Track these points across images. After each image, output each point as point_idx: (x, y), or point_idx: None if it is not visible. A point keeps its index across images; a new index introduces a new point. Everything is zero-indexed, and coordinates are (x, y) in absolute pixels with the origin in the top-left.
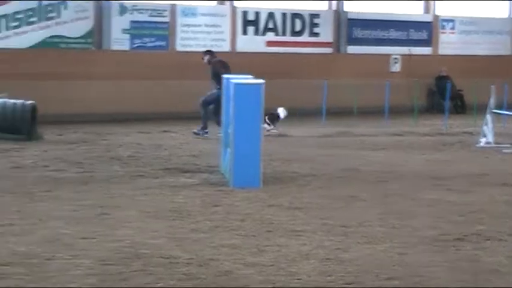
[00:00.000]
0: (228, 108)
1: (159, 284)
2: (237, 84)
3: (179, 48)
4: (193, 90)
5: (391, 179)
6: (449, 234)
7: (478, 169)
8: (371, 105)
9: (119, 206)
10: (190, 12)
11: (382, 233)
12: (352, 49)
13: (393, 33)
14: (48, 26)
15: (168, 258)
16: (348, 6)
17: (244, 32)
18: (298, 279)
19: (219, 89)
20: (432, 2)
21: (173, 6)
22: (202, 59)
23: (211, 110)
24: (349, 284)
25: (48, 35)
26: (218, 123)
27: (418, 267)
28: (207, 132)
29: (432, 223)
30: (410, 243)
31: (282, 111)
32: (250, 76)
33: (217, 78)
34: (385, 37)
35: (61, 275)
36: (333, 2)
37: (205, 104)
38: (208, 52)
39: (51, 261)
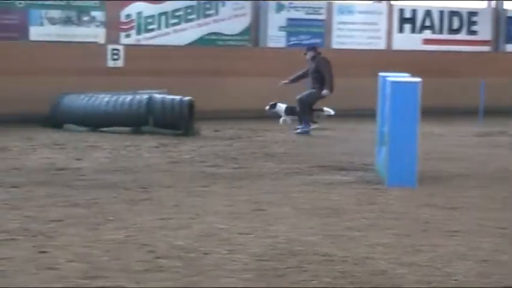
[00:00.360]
0: (384, 107)
1: (313, 281)
2: (393, 82)
3: (335, 45)
4: (351, 87)
5: None
6: None
7: None
8: None
9: (274, 202)
10: (347, 10)
11: None
12: (511, 47)
13: None
14: (206, 24)
15: (323, 256)
16: (507, 5)
17: (401, 30)
18: (454, 279)
19: (319, 88)
20: None
21: (330, 4)
22: (305, 54)
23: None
24: (509, 287)
25: (206, 32)
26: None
27: None
28: (310, 125)
29: None
30: None
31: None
32: (406, 74)
33: (319, 76)
34: None
35: (218, 269)
36: (492, 1)
37: (305, 104)
38: (313, 48)
39: (208, 255)
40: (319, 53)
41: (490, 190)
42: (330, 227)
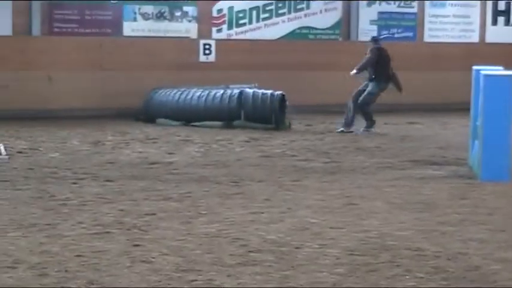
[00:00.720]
0: (477, 100)
1: (406, 277)
2: (486, 75)
3: (427, 39)
4: (443, 81)
5: None
6: None
7: None
8: None
9: (366, 197)
10: (439, 2)
11: None
12: None
13: None
14: (297, 18)
15: (416, 251)
16: None
17: (495, 23)
18: None
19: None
20: None
21: None
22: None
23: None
24: None
25: (298, 26)
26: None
27: None
28: (372, 126)
29: None
30: None
31: None
32: (500, 67)
33: (372, 69)
34: None
35: (310, 263)
36: None
37: (365, 105)
38: (374, 40)
39: (300, 249)
40: (378, 45)
41: None
42: (422, 221)
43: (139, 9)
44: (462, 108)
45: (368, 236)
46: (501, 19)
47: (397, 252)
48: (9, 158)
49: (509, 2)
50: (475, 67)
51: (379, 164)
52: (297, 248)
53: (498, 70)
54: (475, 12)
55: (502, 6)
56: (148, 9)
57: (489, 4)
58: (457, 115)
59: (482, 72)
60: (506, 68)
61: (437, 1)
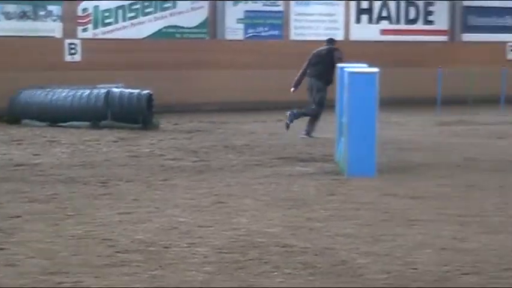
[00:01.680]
0: (342, 98)
1: (274, 273)
2: (351, 73)
3: (293, 37)
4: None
5: (510, 168)
6: None
7: None
8: (486, 93)
9: (235, 195)
10: (304, 1)
11: (500, 223)
12: (467, 37)
13: (509, 20)
14: (164, 17)
15: (284, 247)
16: None
17: (358, 21)
18: (414, 268)
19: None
20: None
21: None
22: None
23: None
24: (467, 273)
25: (164, 25)
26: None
27: None
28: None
29: None
30: None
31: None
32: (364, 65)
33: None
34: (501, 24)
35: (178, 262)
36: None
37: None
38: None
39: (169, 249)
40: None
41: (450, 179)
42: (290, 218)
43: (2, 8)
44: (328, 105)
45: (237, 233)
46: (364, 17)
47: (266, 249)
48: None
49: (372, 1)
50: (339, 65)
51: (248, 161)
52: (165, 247)
53: (362, 67)
54: (339, 11)
55: (365, 4)
56: (11, 8)
57: (353, 2)
58: (324, 112)
59: (347, 69)
60: (370, 65)
61: (303, 0)
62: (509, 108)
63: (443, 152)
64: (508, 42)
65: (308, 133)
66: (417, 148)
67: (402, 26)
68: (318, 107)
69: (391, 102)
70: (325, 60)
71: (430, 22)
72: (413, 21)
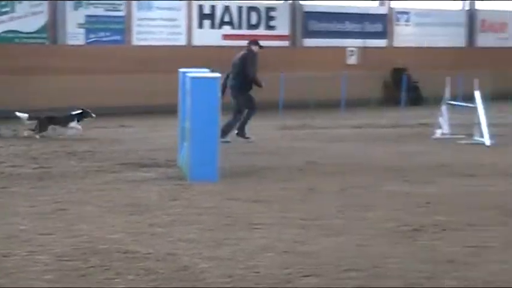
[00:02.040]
0: (184, 102)
1: (116, 280)
2: (192, 78)
3: (136, 42)
4: (153, 83)
5: (350, 171)
6: (407, 225)
7: (435, 160)
8: (328, 97)
9: (76, 202)
10: (146, 6)
11: (341, 225)
12: (308, 42)
13: (349, 26)
14: (2, 21)
15: (126, 253)
16: None
17: (200, 26)
18: (256, 272)
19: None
20: None
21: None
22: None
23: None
24: (307, 276)
25: (3, 30)
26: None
27: (377, 258)
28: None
29: (391, 215)
30: (369, 234)
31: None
32: (206, 70)
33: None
34: (341, 29)
35: (19, 271)
36: None
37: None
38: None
39: (8, 257)
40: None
41: (292, 182)
42: (133, 224)
43: None
44: (171, 110)
45: (78, 240)
46: (207, 22)
47: (108, 256)
48: None
49: (214, 6)
50: (181, 69)
51: (90, 168)
52: (4, 256)
53: (204, 72)
54: (181, 16)
55: (207, 9)
56: None
57: (195, 8)
58: (166, 117)
59: (189, 74)
60: (213, 70)
61: (145, 5)
62: (350, 112)
63: (285, 156)
64: (347, 47)
65: (242, 135)
66: (260, 152)
67: (244, 31)
68: (249, 110)
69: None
70: (240, 65)
71: (272, 27)
72: (255, 26)
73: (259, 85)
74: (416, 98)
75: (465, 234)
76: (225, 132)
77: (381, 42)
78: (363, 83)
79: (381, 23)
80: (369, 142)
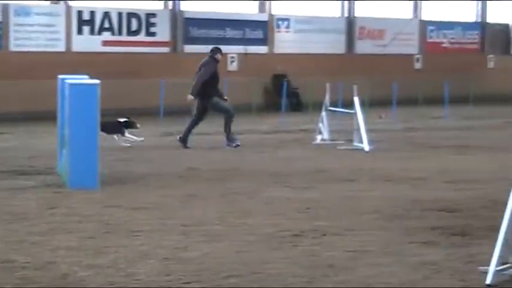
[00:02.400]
0: (63, 109)
1: None
2: (71, 84)
3: (13, 48)
4: (32, 90)
5: (231, 177)
6: (287, 230)
7: (315, 166)
8: None
9: None
10: (23, 11)
11: (221, 231)
12: (189, 48)
13: (230, 32)
14: None
15: (4, 263)
16: (184, 6)
17: (80, 32)
18: (137, 279)
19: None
20: (267, 1)
21: (5, 5)
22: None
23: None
24: (188, 283)
25: None
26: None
27: (257, 264)
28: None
29: (271, 220)
30: (249, 240)
31: None
32: (86, 76)
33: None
34: (222, 36)
35: None
36: (169, 1)
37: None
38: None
39: None
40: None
41: (172, 189)
42: (12, 233)
43: None
44: (51, 117)
45: None
46: (86, 28)
47: None
48: None
49: (94, 12)
50: (60, 76)
51: None
52: None
53: (83, 79)
54: (60, 21)
55: (86, 15)
56: None
57: (74, 13)
58: (46, 124)
59: (68, 81)
60: (92, 76)
61: (22, 10)
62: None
63: (166, 163)
64: (228, 53)
65: (231, 141)
66: (140, 159)
67: (124, 38)
68: (227, 113)
69: (118, 114)
70: (201, 72)
71: (153, 34)
72: (136, 32)
73: (194, 88)
74: (296, 104)
75: (344, 239)
76: (227, 137)
77: (261, 49)
78: (244, 89)
79: (261, 30)
80: (250, 148)
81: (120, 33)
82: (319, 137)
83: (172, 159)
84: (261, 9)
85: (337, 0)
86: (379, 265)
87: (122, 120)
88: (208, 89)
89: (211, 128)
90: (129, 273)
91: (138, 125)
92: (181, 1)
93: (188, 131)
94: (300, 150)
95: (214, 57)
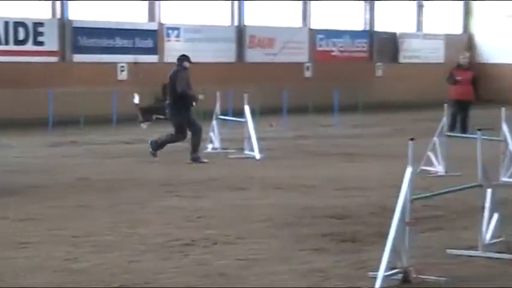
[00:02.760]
0: None
1: None
2: None
3: None
4: None
5: (122, 187)
6: (178, 239)
7: (206, 174)
8: (99, 113)
9: None
10: None
11: (112, 242)
12: (78, 58)
13: (119, 42)
14: None
15: None
16: (73, 15)
17: None
18: None
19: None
20: (157, 10)
21: None
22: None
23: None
24: None
25: None
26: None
27: (148, 274)
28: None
29: (162, 230)
30: (140, 250)
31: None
32: None
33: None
34: (112, 45)
35: None
36: (57, 10)
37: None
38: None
39: None
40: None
41: (62, 200)
42: None
43: None
44: None
45: None
46: None
47: None
48: None
49: None
50: None
51: None
52: None
53: None
54: None
55: None
56: None
57: None
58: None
59: None
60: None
61: None
62: (121, 128)
63: (55, 173)
64: (118, 63)
65: (195, 159)
66: (27, 170)
67: (11, 47)
68: (176, 132)
69: (2, 124)
70: (171, 83)
71: (40, 43)
72: (23, 41)
73: (194, 98)
74: None
75: (236, 248)
76: (193, 149)
77: (152, 58)
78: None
79: (151, 39)
80: (141, 158)
81: (6, 42)
82: (210, 146)
83: (62, 170)
84: (151, 18)
85: (227, 8)
86: (271, 273)
87: None
88: (182, 101)
89: (98, 138)
90: (17, 285)
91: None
92: (69, 10)
93: (163, 143)
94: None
95: (182, 66)
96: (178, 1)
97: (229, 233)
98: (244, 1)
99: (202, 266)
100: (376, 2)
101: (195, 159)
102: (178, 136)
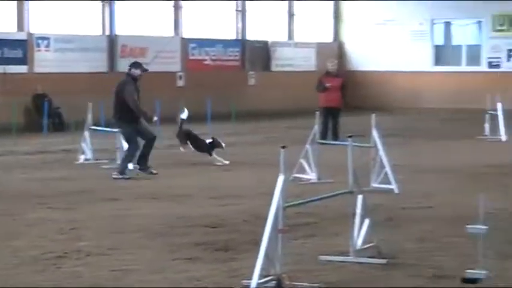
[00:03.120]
0: None
1: None
2: None
3: None
4: None
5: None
6: (50, 252)
7: (79, 186)
8: None
9: None
10: None
11: None
12: None
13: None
14: None
15: None
16: None
17: None
18: None
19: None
20: (26, 20)
21: None
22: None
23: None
24: None
25: None
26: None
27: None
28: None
29: (34, 242)
30: (13, 264)
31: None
32: None
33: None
34: None
35: None
36: None
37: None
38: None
39: None
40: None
41: None
42: None
43: None
44: None
45: None
46: None
47: None
48: None
49: None
50: None
51: None
52: None
53: None
54: None
55: None
56: None
57: None
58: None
59: None
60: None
61: None
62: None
63: None
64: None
65: (120, 172)
66: None
67: None
68: (128, 143)
69: None
70: (118, 93)
71: None
72: None
73: (146, 118)
74: (59, 124)
75: (109, 259)
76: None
77: (21, 68)
78: (3, 110)
79: (21, 49)
80: (12, 170)
81: None
82: (82, 157)
83: None
84: (20, 27)
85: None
86: (145, 283)
87: (208, 141)
88: (131, 113)
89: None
90: None
91: (223, 144)
92: None
93: (128, 160)
94: (64, 171)
95: (131, 75)
96: (48, 11)
97: (102, 244)
98: (115, 10)
99: (75, 279)
100: (248, 11)
101: (122, 172)
102: (132, 147)
